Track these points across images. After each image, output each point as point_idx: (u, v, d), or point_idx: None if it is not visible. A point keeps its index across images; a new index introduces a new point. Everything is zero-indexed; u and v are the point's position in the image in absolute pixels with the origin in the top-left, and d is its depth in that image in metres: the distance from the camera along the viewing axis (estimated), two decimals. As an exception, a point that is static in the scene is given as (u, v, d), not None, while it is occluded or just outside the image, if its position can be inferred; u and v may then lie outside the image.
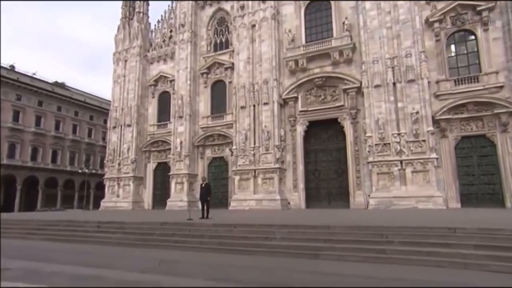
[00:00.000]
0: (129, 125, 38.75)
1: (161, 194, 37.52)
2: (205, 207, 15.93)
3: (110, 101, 42.60)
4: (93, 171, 56.72)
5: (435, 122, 25.87)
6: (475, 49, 26.09)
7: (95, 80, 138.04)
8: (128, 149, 38.11)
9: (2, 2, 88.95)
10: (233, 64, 34.73)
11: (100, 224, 14.01)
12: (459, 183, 25.48)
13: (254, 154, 31.18)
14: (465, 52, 26.52)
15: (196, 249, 10.10)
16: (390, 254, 8.25)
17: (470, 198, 25.13)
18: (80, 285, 6.32)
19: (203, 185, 16.69)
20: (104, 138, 55.20)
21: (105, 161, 40.63)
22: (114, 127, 39.91)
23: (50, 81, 56.54)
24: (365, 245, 8.69)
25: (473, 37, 26.34)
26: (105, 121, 46.71)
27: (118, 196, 38.32)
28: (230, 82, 35.25)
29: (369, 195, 27.43)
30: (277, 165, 30.22)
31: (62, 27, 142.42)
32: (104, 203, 39.30)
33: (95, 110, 61.05)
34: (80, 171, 52.81)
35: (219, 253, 9.58)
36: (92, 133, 60.69)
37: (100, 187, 46.91)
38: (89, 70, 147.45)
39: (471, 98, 25.19)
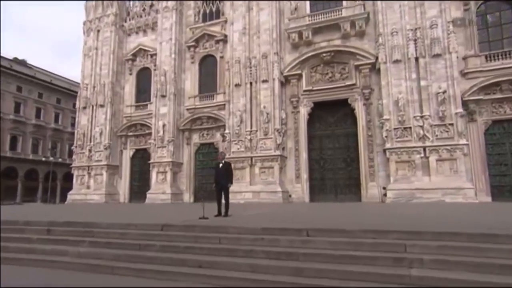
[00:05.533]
0: (102, 106, 33.30)
1: (140, 185, 32.60)
2: (222, 200, 11.25)
3: (80, 83, 36.77)
4: (60, 160, 50.48)
5: (462, 103, 22.48)
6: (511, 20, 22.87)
7: (65, 65, 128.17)
8: (101, 133, 32.74)
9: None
10: (225, 36, 30.13)
11: (52, 228, 9.00)
12: (489, 174, 22.29)
13: (250, 140, 26.91)
14: (499, 23, 23.23)
15: (248, 283, 5.42)
16: None
17: (502, 191, 22.02)
18: None
19: (220, 164, 11.42)
20: (73, 124, 48.73)
21: (73, 147, 35.00)
22: (84, 108, 34.33)
23: (8, 57, 49.44)
24: None
25: (507, 6, 23.07)
26: (75, 105, 40.57)
27: (88, 187, 33.01)
28: (221, 57, 30.61)
29: (384, 187, 23.92)
30: (277, 152, 26.10)
31: (24, 8, 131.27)
32: (71, 196, 33.82)
33: (62, 93, 54.30)
34: (44, 159, 46.53)
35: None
36: (59, 118, 53.98)
37: (68, 179, 41.10)
38: (57, 54, 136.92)
39: (506, 76, 21.94)
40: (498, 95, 22.28)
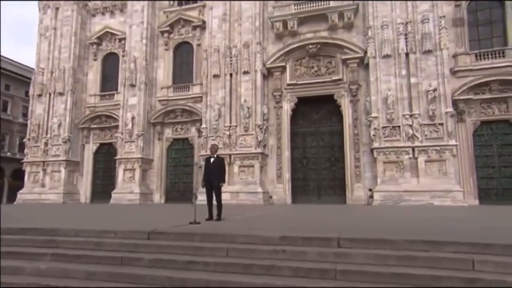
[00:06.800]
0: (61, 94, 29.64)
1: (104, 184, 29.50)
2: (214, 201, 9.35)
3: (34, 68, 32.59)
4: (8, 155, 45.30)
5: (452, 103, 21.81)
6: (501, 18, 22.50)
7: (20, 50, 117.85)
8: (60, 125, 29.13)
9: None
10: (203, 22, 27.77)
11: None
12: (477, 176, 21.85)
13: (229, 136, 24.90)
14: (489, 21, 22.80)
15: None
16: None
17: (489, 194, 21.73)
18: None
19: (211, 160, 9.52)
20: (25, 115, 43.71)
21: (25, 140, 31.00)
22: (40, 96, 30.43)
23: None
24: None
25: (498, 4, 22.69)
26: (28, 93, 35.80)
27: (43, 185, 29.34)
28: (199, 45, 28.22)
29: (370, 189, 22.87)
30: (258, 150, 24.31)
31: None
32: (22, 195, 29.85)
33: (12, 78, 48.55)
34: (-11, 153, 41.43)
35: None
36: (8, 107, 48.22)
37: (19, 176, 36.67)
38: (10, 38, 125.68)
39: (496, 76, 21.54)
40: (487, 95, 21.87)
